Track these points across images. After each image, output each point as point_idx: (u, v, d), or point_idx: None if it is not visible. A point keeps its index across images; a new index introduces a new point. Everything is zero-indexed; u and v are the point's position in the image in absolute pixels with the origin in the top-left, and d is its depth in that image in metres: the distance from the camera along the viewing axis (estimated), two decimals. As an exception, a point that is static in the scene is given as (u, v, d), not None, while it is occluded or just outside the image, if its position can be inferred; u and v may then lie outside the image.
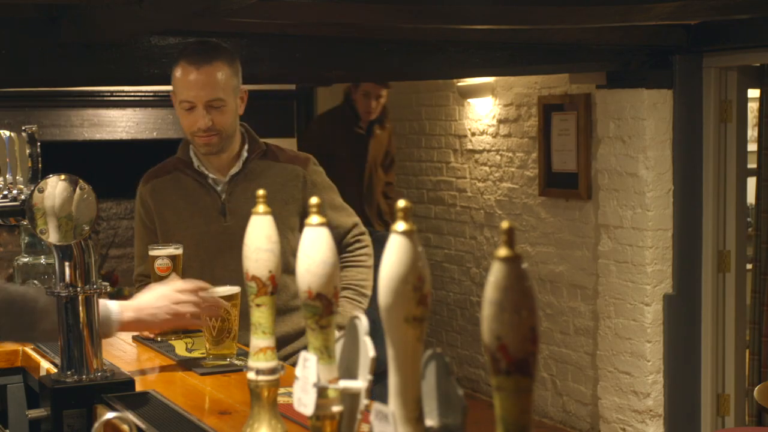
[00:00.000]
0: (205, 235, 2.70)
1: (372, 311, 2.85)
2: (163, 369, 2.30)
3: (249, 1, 2.74)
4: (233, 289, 2.32)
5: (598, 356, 5.21)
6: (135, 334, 2.64)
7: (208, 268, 2.65)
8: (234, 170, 2.73)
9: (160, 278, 2.53)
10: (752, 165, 5.01)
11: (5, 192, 2.08)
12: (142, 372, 2.27)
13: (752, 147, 5.11)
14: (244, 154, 2.76)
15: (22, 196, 2.02)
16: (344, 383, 1.30)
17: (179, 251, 2.55)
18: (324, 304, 1.27)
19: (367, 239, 2.87)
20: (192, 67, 2.62)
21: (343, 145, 5.56)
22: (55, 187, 1.96)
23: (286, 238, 2.59)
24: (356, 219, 2.88)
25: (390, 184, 5.88)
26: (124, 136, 5.89)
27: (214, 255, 2.67)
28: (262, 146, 2.79)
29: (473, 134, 6.25)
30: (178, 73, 2.66)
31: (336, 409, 1.30)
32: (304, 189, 2.75)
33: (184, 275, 2.64)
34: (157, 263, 2.53)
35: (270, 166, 2.77)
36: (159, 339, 2.54)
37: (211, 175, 2.74)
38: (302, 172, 2.77)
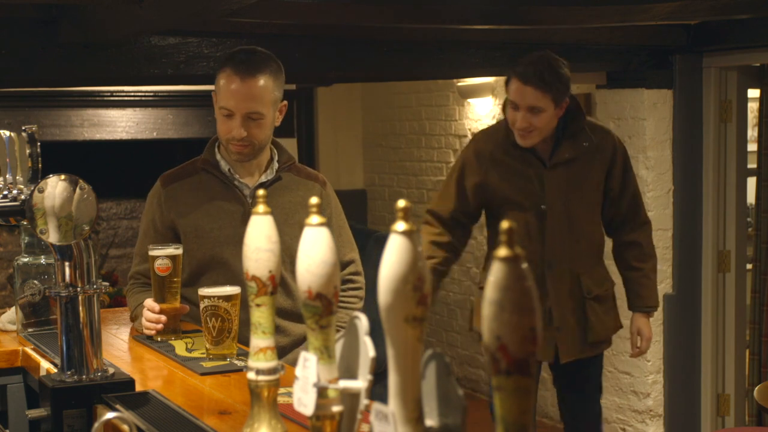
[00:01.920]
0: (230, 238, 2.69)
1: (372, 311, 2.87)
2: (163, 369, 2.30)
3: (249, 1, 2.74)
4: (233, 290, 2.33)
5: (598, 356, 5.21)
6: (136, 334, 2.64)
7: (231, 271, 2.66)
8: (264, 178, 2.77)
9: (160, 278, 2.53)
10: (752, 165, 5.01)
11: (5, 192, 2.08)
12: (142, 372, 2.27)
13: (752, 147, 5.11)
14: (276, 164, 2.80)
15: (22, 196, 2.02)
16: (344, 383, 1.30)
17: (179, 251, 2.55)
18: (324, 304, 1.27)
19: (361, 280, 2.90)
20: (237, 77, 2.63)
21: (501, 176, 3.44)
22: (55, 187, 1.96)
23: None
24: (356, 255, 2.90)
25: (636, 245, 3.54)
26: (124, 136, 5.89)
27: (239, 258, 2.68)
28: (292, 159, 2.85)
29: (473, 134, 6.24)
30: (222, 78, 2.68)
31: (336, 409, 1.30)
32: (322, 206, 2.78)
33: (208, 277, 2.66)
34: (157, 263, 2.52)
35: (293, 179, 2.82)
36: (159, 339, 2.54)
37: (238, 179, 2.76)
38: (321, 189, 2.84)
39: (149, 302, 2.57)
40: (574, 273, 3.41)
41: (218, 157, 2.78)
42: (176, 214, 2.74)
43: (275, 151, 2.83)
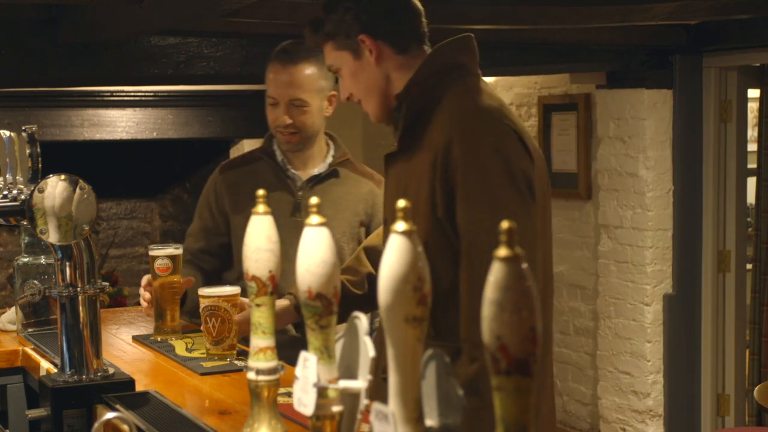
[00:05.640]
0: (278, 228, 2.70)
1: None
2: (163, 369, 2.30)
3: (249, 1, 2.74)
4: (233, 290, 2.33)
5: (598, 356, 5.21)
6: (136, 333, 2.64)
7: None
8: (317, 170, 2.81)
9: (160, 278, 2.53)
10: (752, 165, 5.02)
11: (5, 192, 2.08)
12: (142, 372, 2.27)
13: (752, 147, 5.12)
14: (330, 158, 2.84)
15: (22, 196, 2.02)
16: (344, 383, 1.30)
17: (179, 251, 2.56)
18: (324, 304, 1.27)
19: None
20: (279, 66, 2.72)
21: None
22: (55, 187, 1.96)
23: (350, 246, 2.72)
24: None
25: None
26: (124, 136, 5.88)
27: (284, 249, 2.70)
28: (347, 154, 2.89)
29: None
30: (269, 71, 2.76)
31: (336, 409, 1.30)
32: (374, 206, 2.82)
33: None
34: (157, 263, 2.53)
35: (348, 175, 2.85)
36: (159, 339, 2.54)
37: (291, 170, 2.81)
38: (374, 188, 2.85)
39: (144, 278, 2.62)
40: None
41: (275, 147, 2.84)
42: (229, 201, 2.80)
43: (331, 144, 2.87)
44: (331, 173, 2.81)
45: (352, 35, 2.07)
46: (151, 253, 2.55)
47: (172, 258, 2.54)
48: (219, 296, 2.31)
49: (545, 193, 2.06)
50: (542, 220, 2.03)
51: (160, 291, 2.55)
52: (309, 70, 2.71)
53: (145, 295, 2.59)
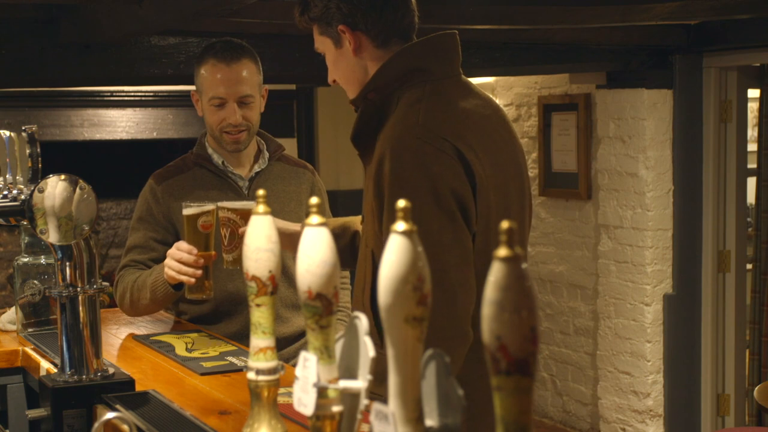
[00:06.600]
0: None
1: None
2: (163, 369, 2.30)
3: (249, 1, 2.74)
4: (247, 204, 2.41)
5: (598, 356, 5.21)
6: (136, 333, 2.64)
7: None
8: (258, 168, 2.82)
9: (205, 236, 2.47)
10: (752, 165, 5.02)
11: (5, 192, 2.08)
12: (142, 372, 2.27)
13: (752, 147, 5.12)
14: (266, 153, 2.85)
15: (22, 196, 2.02)
16: (344, 383, 1.30)
17: (213, 206, 2.49)
18: (324, 304, 1.27)
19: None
20: (222, 64, 2.70)
21: None
22: (55, 187, 1.96)
23: None
24: None
25: None
26: (124, 136, 5.89)
27: None
28: (281, 147, 2.90)
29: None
30: (205, 71, 2.72)
31: (336, 409, 1.30)
32: (312, 194, 2.86)
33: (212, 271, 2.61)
34: (201, 221, 2.45)
35: (284, 167, 2.88)
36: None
37: (231, 171, 2.80)
38: (311, 177, 2.91)
39: (182, 244, 2.47)
40: None
41: (210, 150, 2.82)
42: (175, 209, 2.75)
43: (262, 141, 2.88)
44: (270, 167, 2.84)
45: (333, 24, 2.06)
46: (188, 212, 2.46)
47: (212, 213, 2.48)
48: (231, 209, 2.39)
49: (514, 202, 2.03)
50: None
51: (206, 262, 2.47)
52: (250, 66, 2.73)
53: (197, 272, 2.44)
